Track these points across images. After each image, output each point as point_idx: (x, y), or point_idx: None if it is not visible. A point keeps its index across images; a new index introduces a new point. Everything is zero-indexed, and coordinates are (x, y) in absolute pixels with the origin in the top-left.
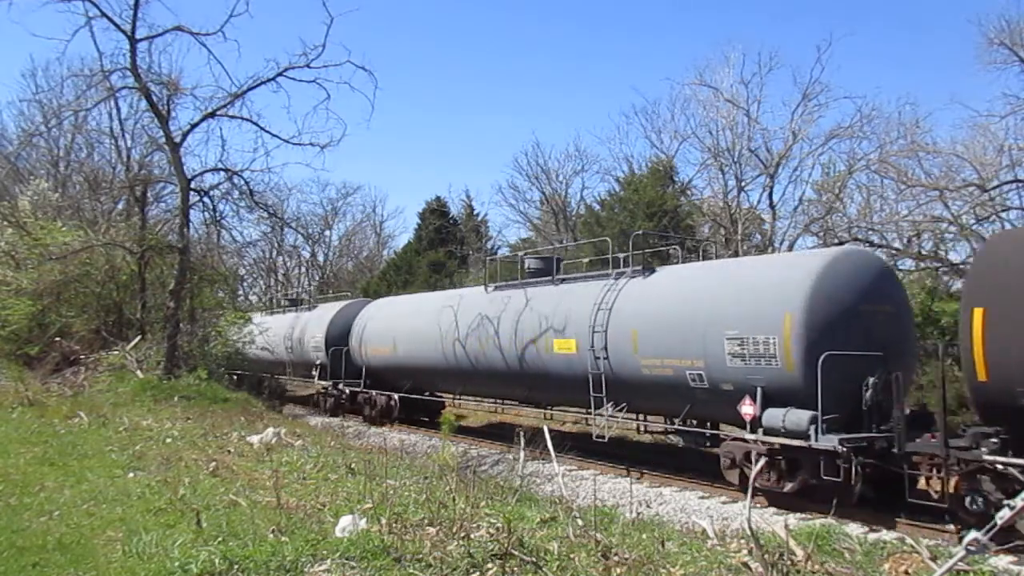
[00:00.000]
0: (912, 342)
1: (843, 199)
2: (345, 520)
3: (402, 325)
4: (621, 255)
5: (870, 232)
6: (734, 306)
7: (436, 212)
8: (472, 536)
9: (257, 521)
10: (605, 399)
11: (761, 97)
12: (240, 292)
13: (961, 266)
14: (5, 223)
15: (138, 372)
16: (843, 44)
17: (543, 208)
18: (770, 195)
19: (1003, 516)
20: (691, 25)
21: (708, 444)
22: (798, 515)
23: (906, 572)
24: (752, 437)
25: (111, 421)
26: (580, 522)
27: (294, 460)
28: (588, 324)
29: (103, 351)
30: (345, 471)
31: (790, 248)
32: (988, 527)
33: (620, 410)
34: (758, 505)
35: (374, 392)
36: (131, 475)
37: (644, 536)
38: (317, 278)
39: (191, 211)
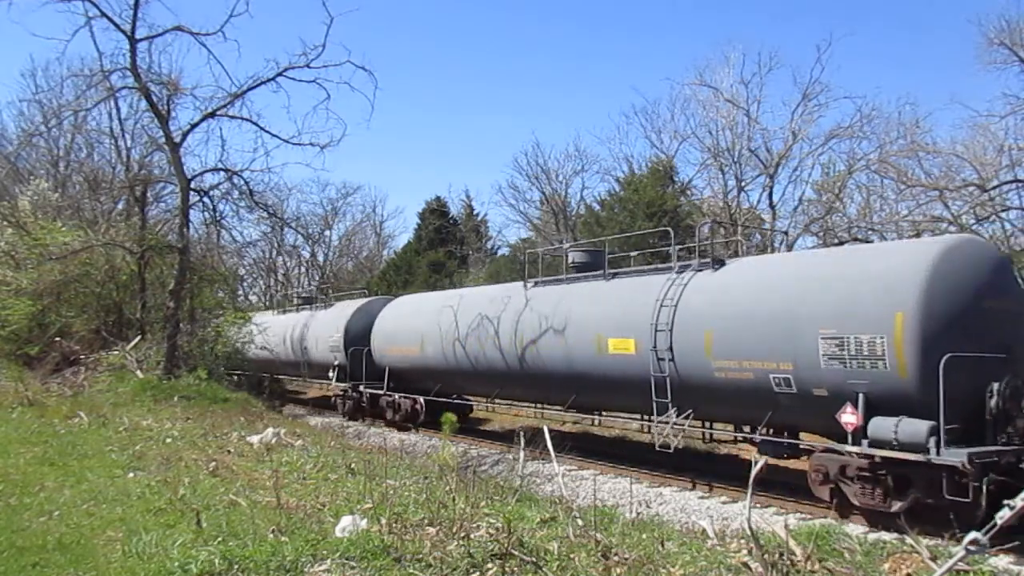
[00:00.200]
0: None
1: (843, 199)
2: (346, 520)
3: (429, 324)
4: (675, 247)
5: (870, 232)
6: (830, 302)
7: (436, 212)
8: (472, 536)
9: (257, 521)
10: (670, 405)
11: (761, 97)
12: (240, 292)
13: None
14: (5, 223)
15: (138, 372)
16: (843, 44)
17: (543, 208)
18: (770, 195)
19: (1003, 516)
20: (691, 25)
21: (787, 455)
22: (798, 515)
23: (906, 572)
24: (853, 449)
25: (111, 421)
26: (580, 522)
27: (294, 460)
28: (649, 322)
29: (103, 351)
30: (345, 471)
31: (789, 248)
32: (988, 527)
33: (686, 417)
34: (758, 505)
35: (397, 395)
36: (131, 475)
37: (644, 536)
38: (317, 278)
39: (191, 211)
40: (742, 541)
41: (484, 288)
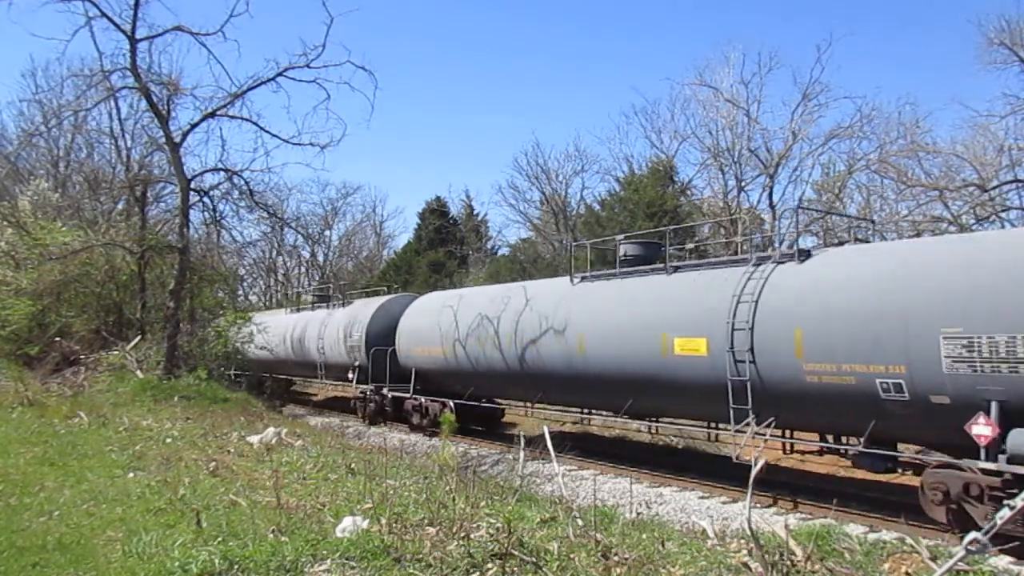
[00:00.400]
0: None
1: (843, 199)
2: (346, 521)
3: (462, 323)
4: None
5: (870, 232)
6: (954, 297)
7: (436, 212)
8: (472, 536)
9: (257, 521)
10: (751, 412)
11: (761, 97)
12: (240, 292)
13: None
14: (5, 223)
15: (138, 372)
16: (843, 44)
17: (543, 208)
18: (770, 195)
19: (1003, 516)
20: (691, 25)
21: (894, 469)
22: (798, 515)
23: (906, 572)
24: (989, 466)
25: (111, 421)
26: (580, 522)
27: (294, 460)
28: (725, 320)
29: (103, 351)
30: (345, 471)
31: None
32: (988, 527)
33: (767, 425)
34: (758, 505)
35: (424, 399)
36: (131, 475)
37: (644, 536)
38: (317, 278)
39: (191, 211)
40: (742, 541)
41: (526, 284)
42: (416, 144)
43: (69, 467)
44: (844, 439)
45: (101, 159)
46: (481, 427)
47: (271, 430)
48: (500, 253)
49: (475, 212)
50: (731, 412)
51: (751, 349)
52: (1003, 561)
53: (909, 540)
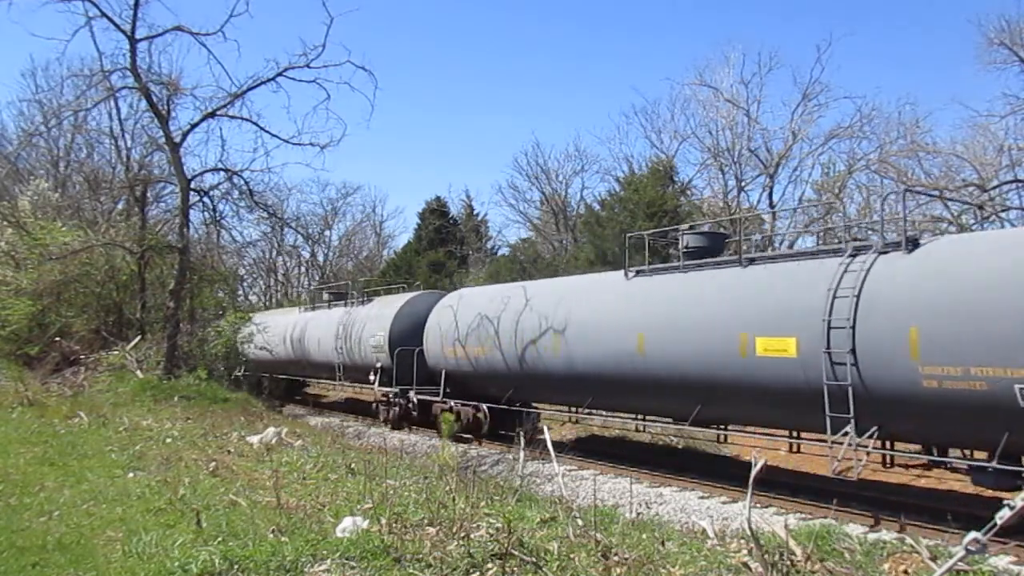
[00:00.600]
0: None
1: (843, 199)
2: (346, 521)
3: (506, 320)
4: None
5: (870, 232)
6: None
7: (436, 212)
8: (472, 536)
9: (257, 521)
10: (854, 421)
11: (761, 97)
12: (240, 292)
13: None
14: (5, 223)
15: (138, 372)
16: (843, 44)
17: (543, 208)
18: (770, 195)
19: (1003, 516)
20: (691, 25)
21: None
22: (798, 515)
23: (906, 572)
24: None
25: (111, 421)
26: (580, 522)
27: (294, 460)
28: (821, 317)
29: (103, 351)
30: (345, 471)
31: (790, 247)
32: (988, 527)
33: (870, 436)
34: (758, 505)
35: (454, 402)
36: (131, 475)
37: (644, 536)
38: (317, 278)
39: (191, 211)
40: (742, 541)
41: (569, 279)
42: (416, 144)
43: (69, 467)
44: (962, 452)
45: (101, 159)
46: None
47: (271, 430)
48: (500, 253)
49: (475, 212)
50: (827, 421)
51: (852, 350)
52: (1003, 561)
53: (909, 540)
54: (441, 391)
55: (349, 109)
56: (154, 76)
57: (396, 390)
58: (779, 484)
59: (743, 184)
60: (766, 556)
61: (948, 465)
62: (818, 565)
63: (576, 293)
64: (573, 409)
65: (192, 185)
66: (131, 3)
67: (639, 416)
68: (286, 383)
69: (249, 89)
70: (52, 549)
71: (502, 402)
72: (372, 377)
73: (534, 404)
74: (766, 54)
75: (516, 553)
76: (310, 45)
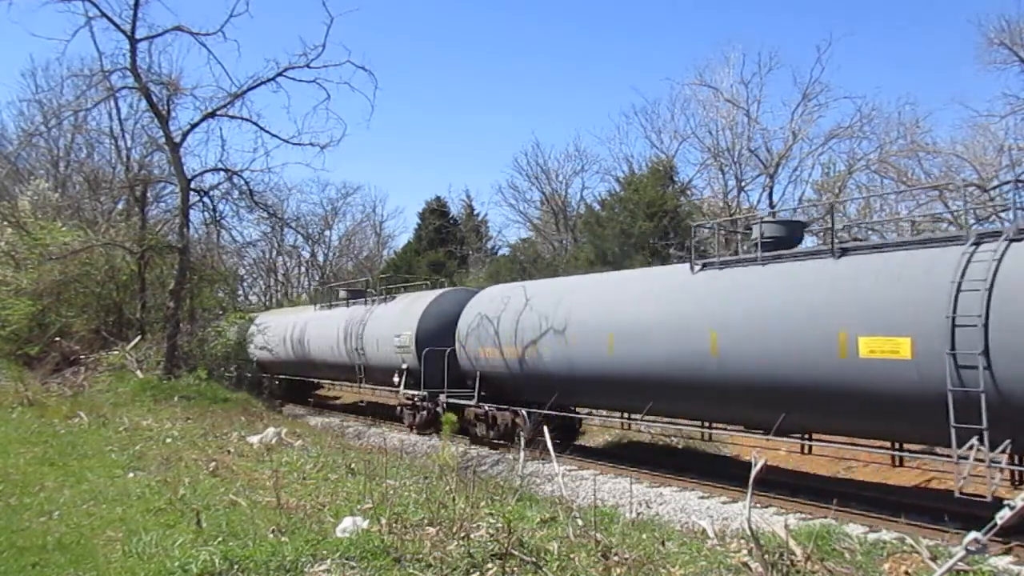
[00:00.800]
0: None
1: (842, 199)
2: (346, 521)
3: (550, 319)
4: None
5: (870, 232)
6: None
7: (436, 212)
8: (472, 536)
9: (257, 521)
10: (986, 433)
11: (761, 97)
12: (240, 292)
13: None
14: (5, 223)
15: (138, 372)
16: (843, 44)
17: (543, 208)
18: (770, 195)
19: (1003, 516)
20: (691, 25)
21: None
22: (798, 515)
23: (906, 572)
24: None
25: (111, 421)
26: (580, 522)
27: (294, 460)
28: (943, 314)
29: (103, 351)
30: (345, 471)
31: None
32: (988, 527)
33: (1003, 451)
34: (758, 505)
35: (489, 406)
36: (131, 475)
37: (644, 536)
38: (317, 278)
39: (191, 211)
40: (742, 541)
41: (622, 274)
42: (416, 144)
43: (69, 467)
44: None
45: (101, 159)
46: (558, 439)
47: (271, 430)
48: (500, 253)
49: (475, 212)
50: (952, 432)
51: (985, 351)
52: (1003, 561)
53: (909, 540)
54: (476, 395)
55: (349, 109)
56: (154, 76)
57: (424, 393)
58: (779, 484)
59: (743, 184)
60: (766, 556)
61: None
62: (818, 565)
63: (631, 289)
64: (625, 415)
65: (192, 185)
66: (131, 3)
67: (705, 424)
68: (298, 385)
69: (249, 89)
70: (52, 549)
71: (547, 407)
72: (396, 379)
73: (572, 409)
74: (766, 54)
75: (516, 553)
76: (310, 45)
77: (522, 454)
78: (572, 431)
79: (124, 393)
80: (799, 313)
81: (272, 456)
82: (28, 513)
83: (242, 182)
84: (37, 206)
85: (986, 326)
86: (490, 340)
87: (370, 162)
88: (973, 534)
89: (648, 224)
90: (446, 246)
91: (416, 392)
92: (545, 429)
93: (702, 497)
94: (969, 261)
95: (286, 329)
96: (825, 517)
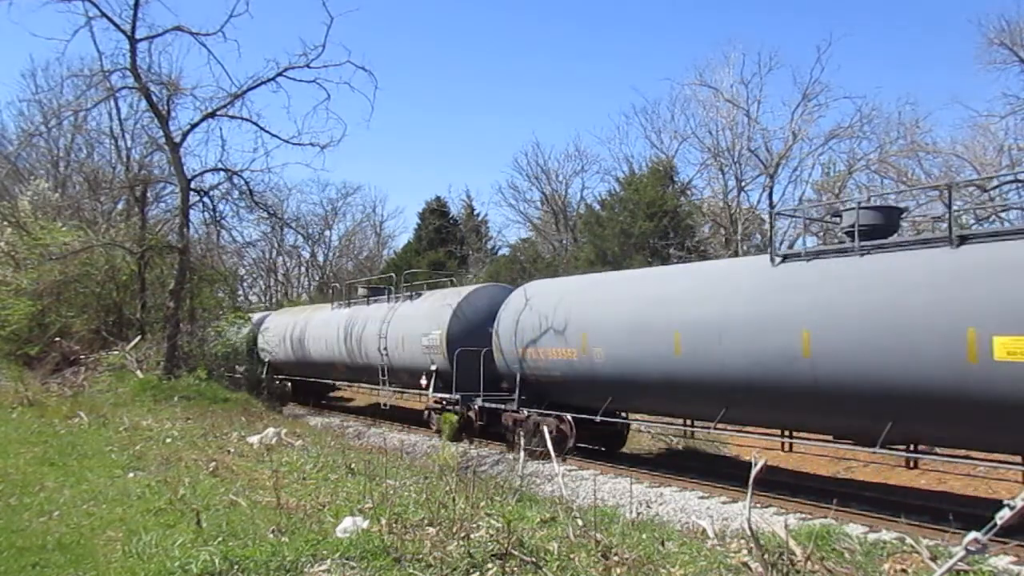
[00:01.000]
0: None
1: (843, 199)
2: (346, 521)
3: (606, 315)
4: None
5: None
6: None
7: (436, 212)
8: (472, 536)
9: (257, 521)
10: None
11: (761, 97)
12: (240, 292)
13: None
14: (5, 223)
15: (138, 372)
16: (843, 44)
17: (543, 208)
18: (770, 195)
19: (1003, 516)
20: (691, 25)
21: None
22: (798, 515)
23: (906, 572)
24: None
25: (111, 421)
26: (580, 522)
27: (294, 460)
28: None
29: (103, 351)
30: (345, 471)
31: (790, 247)
32: (988, 527)
33: None
34: (758, 505)
35: (530, 411)
36: (131, 475)
37: (644, 536)
38: (317, 278)
39: (191, 211)
40: (742, 541)
41: (692, 267)
42: (416, 144)
43: (69, 467)
44: None
45: (101, 159)
46: (603, 447)
47: (271, 430)
48: (500, 253)
49: (475, 212)
50: None
51: None
52: (1003, 561)
53: (909, 540)
54: (516, 399)
55: (349, 109)
56: (154, 76)
57: (456, 396)
58: (779, 484)
59: (743, 184)
60: (766, 556)
61: None
62: (818, 565)
63: (698, 284)
64: (687, 422)
65: (192, 185)
66: (131, 3)
67: (785, 433)
68: (311, 386)
69: (249, 89)
70: (52, 549)
71: (599, 413)
72: (424, 381)
73: (617, 413)
74: (766, 54)
75: (516, 553)
76: (310, 45)
77: (522, 454)
78: (618, 438)
79: (124, 393)
80: (912, 309)
81: (272, 456)
82: (28, 513)
83: (242, 182)
84: (37, 206)
85: None
86: (533, 340)
87: (370, 162)
88: (973, 534)
89: (648, 224)
90: (446, 246)
91: (447, 395)
92: (545, 429)
93: (702, 497)
94: None
95: (300, 329)
96: (825, 517)
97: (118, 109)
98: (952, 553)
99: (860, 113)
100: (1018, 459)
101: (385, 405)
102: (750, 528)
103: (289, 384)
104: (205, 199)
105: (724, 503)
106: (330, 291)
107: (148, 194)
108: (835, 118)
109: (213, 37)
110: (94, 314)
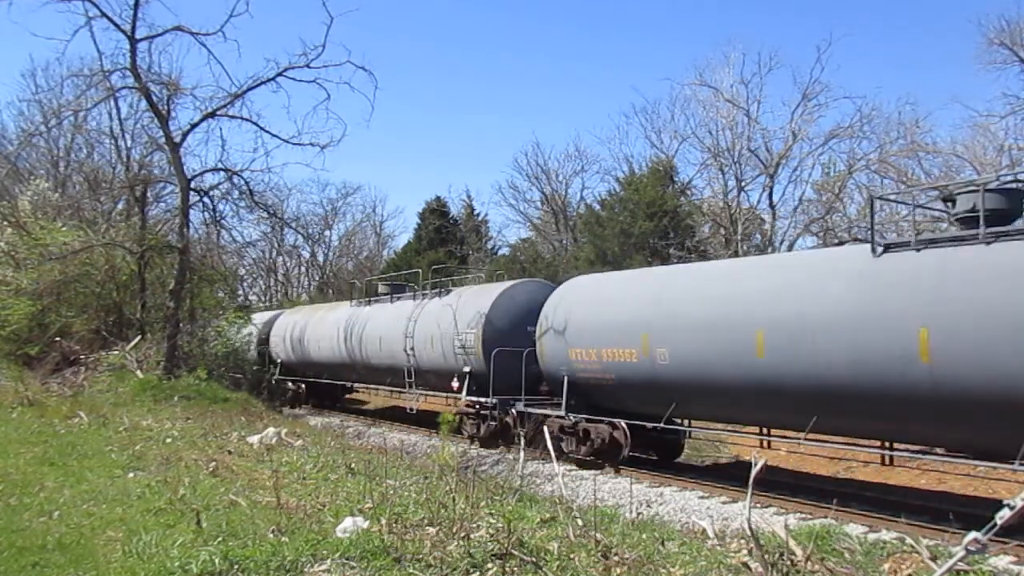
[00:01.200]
0: None
1: (843, 199)
2: (346, 521)
3: (668, 315)
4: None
5: (870, 232)
6: None
7: (436, 212)
8: (472, 536)
9: (257, 521)
10: None
11: (761, 97)
12: (240, 292)
13: None
14: (5, 223)
15: (138, 372)
16: (843, 44)
17: (543, 208)
18: (770, 195)
19: (1003, 516)
20: (691, 25)
21: None
22: (798, 515)
23: (906, 572)
24: None
25: (111, 421)
26: (580, 522)
27: (294, 460)
28: None
29: (103, 351)
30: (345, 471)
31: (790, 248)
32: (988, 527)
33: None
34: (758, 505)
35: (578, 417)
36: (131, 475)
37: (644, 536)
38: (317, 278)
39: (191, 211)
40: (742, 541)
41: (775, 259)
42: (416, 144)
43: (69, 467)
44: None
45: (101, 159)
46: (656, 456)
47: (271, 430)
48: (500, 253)
49: (475, 212)
50: None
51: None
52: (1003, 561)
53: (909, 540)
54: (564, 404)
55: (349, 109)
56: (154, 76)
57: (494, 401)
58: (779, 484)
59: (743, 184)
60: (766, 556)
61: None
62: (818, 565)
63: (785, 278)
64: (764, 431)
65: (192, 185)
66: (131, 3)
67: (886, 445)
68: (326, 388)
69: (249, 89)
70: (52, 549)
71: (663, 420)
72: (456, 384)
73: (673, 420)
74: (766, 54)
75: (516, 553)
76: (310, 45)
77: (522, 454)
78: (675, 448)
79: (124, 393)
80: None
81: (272, 456)
82: (28, 513)
83: (242, 182)
84: (37, 206)
85: None
86: (584, 339)
87: (370, 162)
88: (973, 534)
89: (648, 224)
90: (446, 246)
91: (482, 399)
92: (545, 429)
93: (702, 497)
94: None
95: (315, 329)
96: (825, 517)
97: (118, 109)
98: (952, 553)
99: (860, 113)
100: (1018, 460)
101: (412, 409)
102: (750, 528)
103: (303, 386)
104: (205, 199)
105: (724, 503)
106: (330, 291)
107: (148, 194)
108: (835, 118)
109: (213, 37)
110: (94, 314)
